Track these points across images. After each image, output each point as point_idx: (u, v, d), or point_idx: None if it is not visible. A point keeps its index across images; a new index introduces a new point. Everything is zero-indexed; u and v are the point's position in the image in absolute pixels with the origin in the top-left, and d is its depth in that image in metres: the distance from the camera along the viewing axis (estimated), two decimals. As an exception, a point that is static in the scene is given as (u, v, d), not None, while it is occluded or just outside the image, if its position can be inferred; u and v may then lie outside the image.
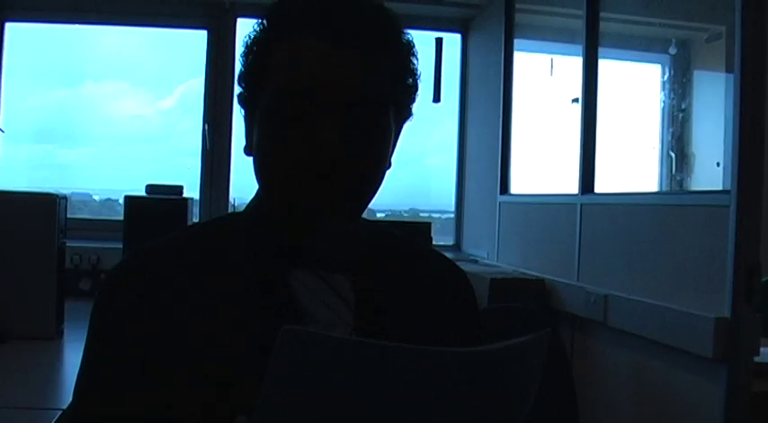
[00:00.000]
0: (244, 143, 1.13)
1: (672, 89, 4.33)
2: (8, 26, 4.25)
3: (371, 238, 1.21)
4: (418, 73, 1.14)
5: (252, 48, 1.10)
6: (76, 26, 4.33)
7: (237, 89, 1.14)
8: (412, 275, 1.23)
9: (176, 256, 1.12)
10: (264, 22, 1.10)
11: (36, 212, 2.65)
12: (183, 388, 1.02)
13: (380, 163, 1.09)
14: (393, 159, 1.16)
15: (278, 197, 1.09)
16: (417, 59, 1.14)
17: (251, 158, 1.11)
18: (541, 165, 4.16)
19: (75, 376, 1.08)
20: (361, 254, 1.17)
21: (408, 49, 1.13)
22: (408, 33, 1.13)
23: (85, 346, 1.09)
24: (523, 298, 3.28)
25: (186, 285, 1.07)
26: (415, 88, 1.15)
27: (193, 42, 4.34)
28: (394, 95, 1.10)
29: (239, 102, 1.14)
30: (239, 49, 1.13)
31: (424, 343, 1.15)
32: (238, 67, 1.13)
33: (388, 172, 1.13)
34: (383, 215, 4.55)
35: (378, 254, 1.20)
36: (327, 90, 1.02)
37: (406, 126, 1.18)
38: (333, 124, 1.02)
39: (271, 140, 1.06)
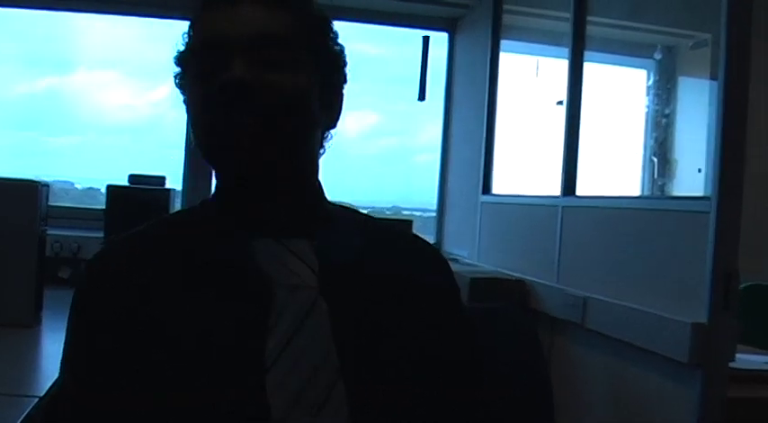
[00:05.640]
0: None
1: (656, 94, 4.36)
2: (-1, 12, 4.20)
3: (333, 209, 1.26)
4: (337, 36, 1.21)
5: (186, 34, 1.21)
6: (64, 13, 4.28)
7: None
8: (377, 244, 1.26)
9: (149, 240, 1.20)
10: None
11: (17, 200, 2.63)
12: (164, 368, 1.05)
13: (297, 100, 1.12)
14: (338, 125, 1.24)
15: (206, 144, 1.14)
16: (333, 30, 1.21)
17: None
18: (524, 166, 4.18)
19: (54, 363, 1.09)
20: (321, 219, 1.21)
21: (319, 16, 1.20)
22: (321, 11, 1.21)
23: (67, 331, 1.13)
24: (503, 298, 3.30)
25: (157, 268, 1.13)
26: (339, 51, 1.22)
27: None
28: (310, 48, 1.15)
29: (177, 85, 1.22)
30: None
31: (389, 305, 1.17)
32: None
33: (331, 142, 1.23)
34: (365, 212, 4.53)
35: (340, 222, 1.24)
36: (228, 35, 1.11)
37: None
38: (237, 62, 1.09)
39: (194, 100, 1.15)
